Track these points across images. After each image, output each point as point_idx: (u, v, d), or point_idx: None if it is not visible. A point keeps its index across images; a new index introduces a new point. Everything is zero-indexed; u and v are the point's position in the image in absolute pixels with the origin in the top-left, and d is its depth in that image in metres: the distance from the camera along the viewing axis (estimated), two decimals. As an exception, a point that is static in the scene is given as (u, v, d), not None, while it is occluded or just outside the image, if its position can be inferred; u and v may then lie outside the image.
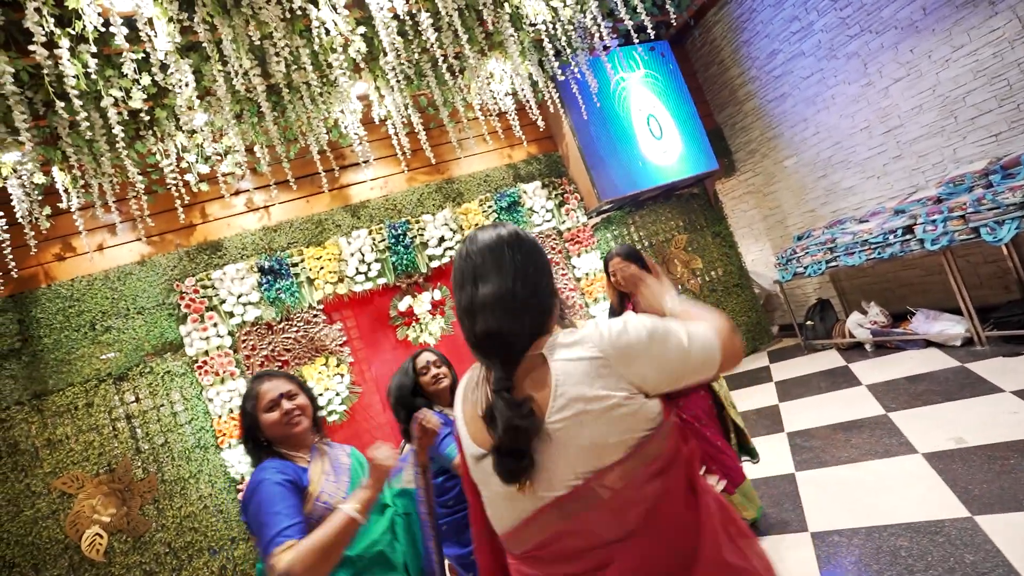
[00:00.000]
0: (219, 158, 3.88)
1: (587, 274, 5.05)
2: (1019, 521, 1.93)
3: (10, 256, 3.29)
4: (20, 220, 3.27)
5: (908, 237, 3.82)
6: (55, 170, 3.44)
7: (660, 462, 0.75)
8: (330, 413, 4.22)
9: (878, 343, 4.30)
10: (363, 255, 4.38)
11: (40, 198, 3.34)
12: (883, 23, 4.15)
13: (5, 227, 3.22)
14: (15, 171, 3.18)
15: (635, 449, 0.74)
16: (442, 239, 4.64)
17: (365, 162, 4.10)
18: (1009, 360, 3.28)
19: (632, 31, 3.76)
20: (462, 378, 0.96)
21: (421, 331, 4.62)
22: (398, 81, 3.60)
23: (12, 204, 3.24)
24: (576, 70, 4.51)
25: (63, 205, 3.50)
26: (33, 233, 3.26)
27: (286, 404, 1.41)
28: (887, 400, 3.33)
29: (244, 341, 4.11)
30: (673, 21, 4.28)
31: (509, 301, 0.81)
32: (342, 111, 3.86)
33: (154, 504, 3.80)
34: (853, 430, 3.11)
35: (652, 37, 5.25)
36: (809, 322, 4.99)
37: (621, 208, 5.40)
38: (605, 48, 4.75)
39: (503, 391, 0.79)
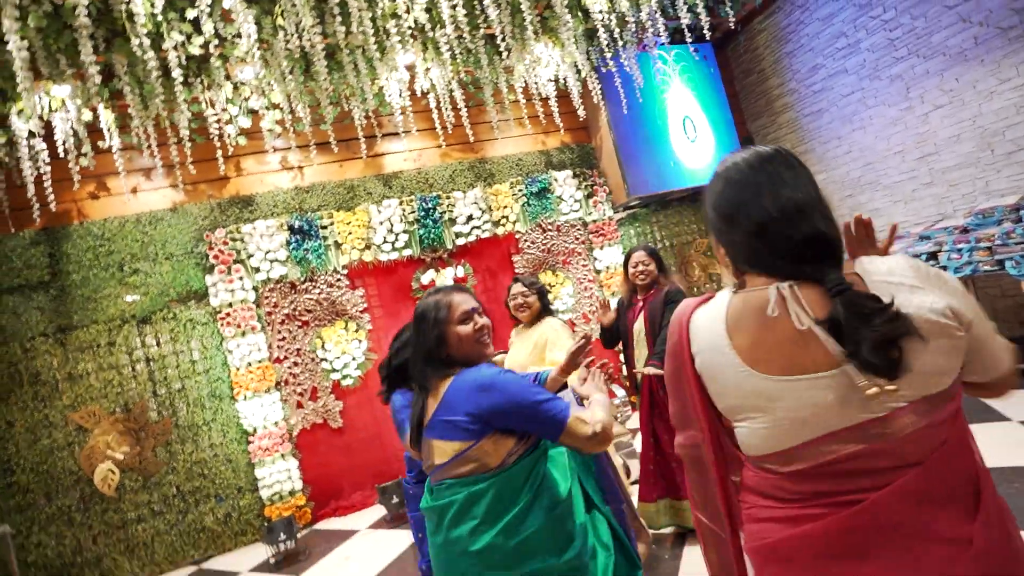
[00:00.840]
0: (261, 113, 3.88)
1: (608, 267, 5.10)
2: None
3: (49, 190, 3.32)
4: (61, 155, 3.29)
5: (932, 263, 3.87)
6: (100, 108, 3.44)
7: (957, 402, 0.76)
8: (344, 377, 4.29)
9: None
10: (392, 225, 4.42)
11: (85, 135, 3.35)
12: (932, 49, 4.16)
13: (47, 160, 3.24)
14: (64, 104, 3.20)
15: (954, 382, 0.74)
16: (470, 217, 4.67)
17: (407, 132, 4.12)
18: (1018, 392, 3.35)
19: (686, 30, 3.76)
20: (697, 312, 0.88)
21: (440, 306, 4.66)
22: (452, 53, 3.61)
23: (55, 138, 3.26)
24: (623, 63, 4.51)
25: (103, 144, 3.51)
26: (78, 168, 3.28)
27: (479, 319, 1.32)
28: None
29: (267, 297, 4.15)
30: (725, 24, 4.28)
31: (822, 206, 0.78)
32: (387, 79, 3.87)
33: (166, 447, 3.87)
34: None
35: (696, 38, 5.25)
36: (820, 337, 5.05)
37: (647, 206, 5.44)
38: (646, 46, 4.76)
39: (847, 291, 0.71)
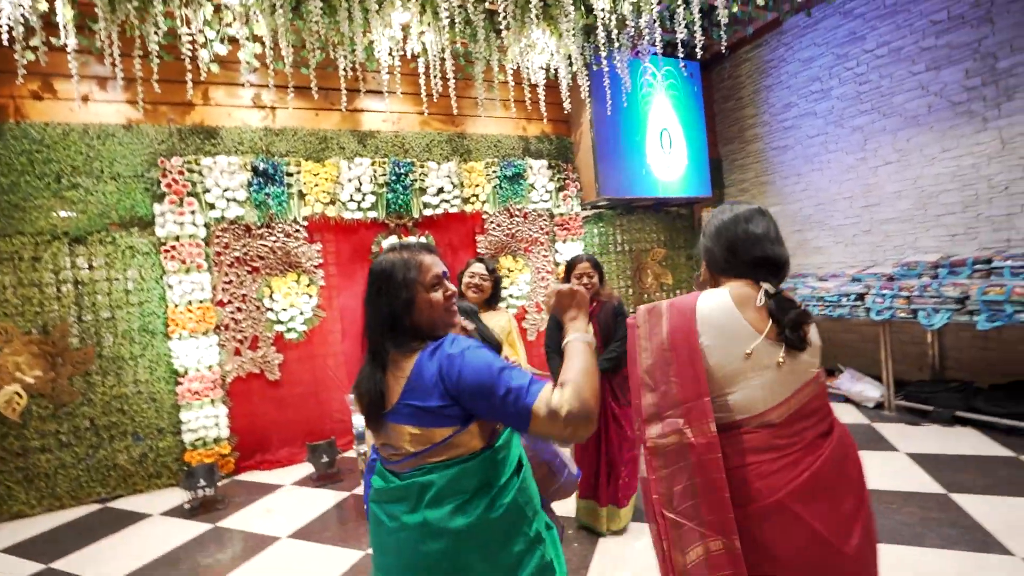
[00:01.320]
0: (241, 43, 3.66)
1: (567, 261, 5.20)
2: (890, 549, 2.30)
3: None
4: (5, 43, 2.99)
5: (858, 304, 4.23)
6: (59, 2, 3.14)
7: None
8: (289, 330, 4.18)
9: (805, 389, 4.75)
10: (360, 184, 4.31)
11: (39, 26, 3.05)
12: (892, 108, 4.51)
13: (-12, 46, 2.94)
14: (16, -11, 2.89)
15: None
16: (441, 190, 4.64)
17: (391, 93, 4.01)
18: (909, 427, 3.76)
19: (679, 44, 3.87)
20: (700, 302, 1.21)
21: (398, 274, 4.62)
22: (450, 21, 3.54)
23: (1, 23, 2.95)
24: (615, 64, 4.58)
25: (57, 42, 3.20)
26: (24, 62, 2.99)
27: (448, 286, 1.16)
28: (804, 439, 3.73)
29: (219, 237, 3.97)
30: (716, 46, 4.44)
31: (778, 239, 1.26)
32: (380, 34, 3.75)
33: (85, 377, 3.64)
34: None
35: (687, 55, 5.40)
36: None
37: (614, 208, 5.58)
38: (639, 53, 4.86)
39: (778, 293, 1.20)
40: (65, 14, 3.14)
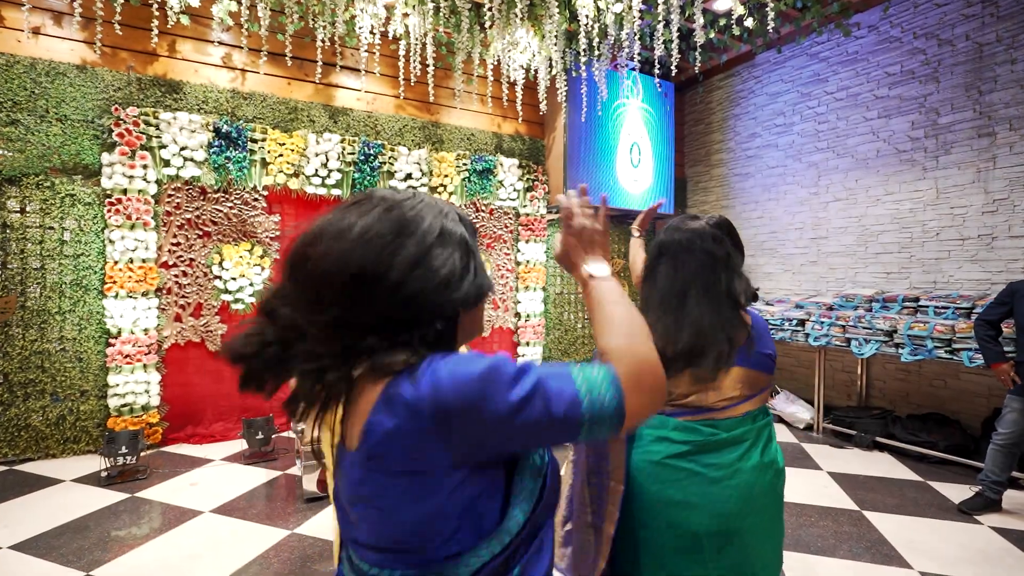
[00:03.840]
0: (214, -2, 3.54)
1: (528, 261, 5.26)
2: (804, 558, 2.42)
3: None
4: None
5: (799, 329, 4.46)
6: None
7: None
8: (237, 300, 4.03)
9: (742, 407, 4.96)
10: (327, 159, 4.22)
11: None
12: (845, 149, 4.79)
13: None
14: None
15: None
16: (409, 176, 4.59)
17: (368, 72, 3.96)
18: (834, 449, 3.98)
19: (656, 62, 4.00)
20: None
21: (357, 255, 4.55)
22: (436, 7, 3.54)
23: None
24: (594, 72, 4.68)
25: (12, -33, 3.01)
26: (-29, -18, 2.78)
27: None
28: (737, 452, 3.89)
29: (171, 196, 3.79)
30: (691, 70, 4.61)
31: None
32: (362, 10, 3.70)
33: (3, 328, 3.40)
34: (705, 466, 3.60)
35: (663, 74, 5.57)
36: (695, 372, 5.60)
37: (579, 215, 5.67)
38: (624, 65, 4.98)
39: None
40: (24, -61, 2.96)
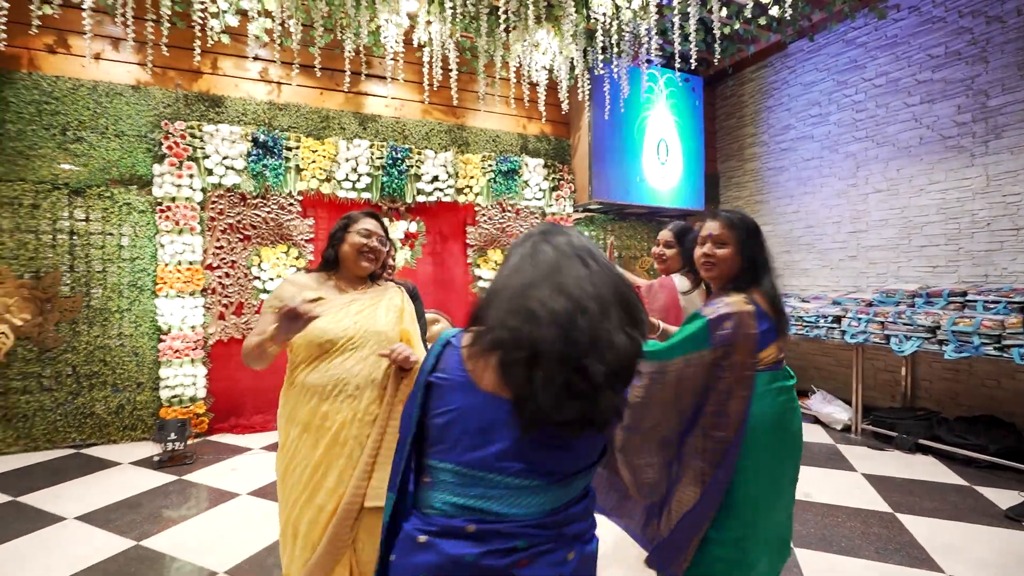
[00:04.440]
0: (251, 16, 3.79)
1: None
2: (827, 557, 2.35)
3: (2, 26, 3.14)
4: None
5: (835, 326, 4.28)
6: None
7: None
8: (274, 300, 4.27)
9: (777, 407, 4.80)
10: (357, 164, 4.42)
11: (56, -18, 3.18)
12: (885, 138, 4.57)
13: (9, -3, 3.07)
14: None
15: None
16: (435, 178, 4.73)
17: (394, 79, 4.12)
18: (872, 451, 3.80)
19: (681, 57, 3.96)
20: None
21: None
22: (453, 13, 3.65)
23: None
24: (615, 70, 4.68)
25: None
26: (39, 14, 3.12)
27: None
28: (766, 451, 3.79)
29: (215, 203, 4.08)
30: (716, 62, 4.53)
31: None
32: (387, 20, 3.86)
33: (71, 325, 3.75)
34: (730, 465, 3.53)
35: (690, 69, 5.49)
36: (728, 371, 5.46)
37: (606, 213, 5.67)
38: (648, 61, 4.95)
39: None
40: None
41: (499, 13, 3.79)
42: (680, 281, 2.22)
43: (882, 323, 3.94)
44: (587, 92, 4.57)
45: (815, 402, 4.51)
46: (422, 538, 0.82)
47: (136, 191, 3.88)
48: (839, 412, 4.31)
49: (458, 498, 0.83)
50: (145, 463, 3.49)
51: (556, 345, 0.76)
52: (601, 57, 4.38)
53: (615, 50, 4.41)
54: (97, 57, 3.81)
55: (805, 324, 4.48)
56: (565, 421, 0.77)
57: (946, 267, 4.19)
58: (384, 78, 4.36)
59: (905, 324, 3.78)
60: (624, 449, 1.53)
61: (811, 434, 4.16)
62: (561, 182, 5.31)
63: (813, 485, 3.16)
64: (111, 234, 3.83)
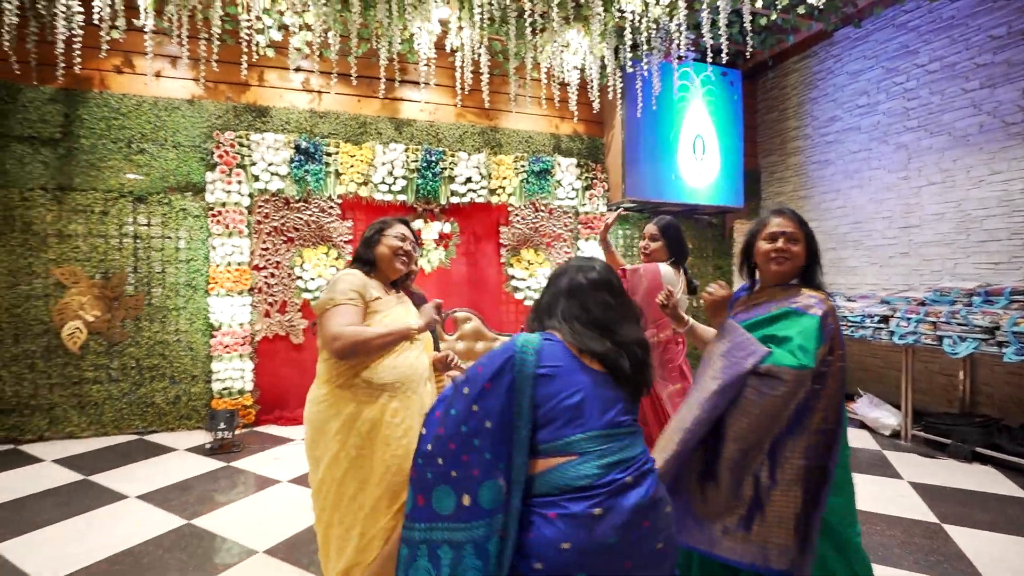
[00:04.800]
0: (292, 31, 4.01)
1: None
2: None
3: (77, 52, 3.47)
4: (96, 22, 3.43)
5: (882, 327, 4.07)
6: (142, -13, 3.57)
7: None
8: (316, 298, 4.48)
9: (820, 411, 4.60)
10: (393, 168, 4.58)
11: (122, 8, 3.48)
12: (940, 126, 4.30)
13: (80, 24, 3.40)
14: (107, -25, 3.33)
15: None
16: (468, 179, 4.83)
17: (426, 84, 4.25)
18: (922, 459, 3.59)
19: (711, 51, 3.89)
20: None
21: (422, 255, 4.86)
22: (482, 18, 3.73)
23: (93, 4, 3.39)
24: (648, 67, 4.63)
25: (138, 23, 3.64)
26: (108, 39, 3.42)
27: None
28: (804, 456, 3.65)
29: (261, 207, 4.33)
30: (750, 53, 4.40)
31: None
32: (419, 28, 3.99)
33: (135, 321, 4.09)
34: (764, 468, 3.42)
35: (728, 62, 5.36)
36: (768, 373, 5.28)
37: (641, 211, 5.60)
38: (680, 57, 4.87)
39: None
40: (146, 1, 3.57)
41: (527, 16, 3.84)
42: (665, 269, 2.40)
43: (934, 323, 3.71)
44: (619, 90, 4.55)
45: (861, 406, 4.30)
46: (598, 511, 0.94)
47: (191, 197, 4.18)
48: (887, 417, 4.09)
49: (606, 459, 1.01)
50: (197, 450, 3.76)
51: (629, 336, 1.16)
52: (632, 54, 4.35)
53: (646, 47, 4.37)
54: (157, 75, 4.13)
55: (850, 324, 4.28)
56: (643, 383, 1.17)
57: (1009, 264, 3.90)
58: (418, 83, 4.50)
59: (960, 324, 3.55)
60: (740, 462, 1.44)
61: (856, 440, 3.97)
62: (594, 181, 5.30)
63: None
64: (169, 237, 4.14)
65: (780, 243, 1.55)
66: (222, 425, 3.73)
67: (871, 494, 3.00)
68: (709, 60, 3.97)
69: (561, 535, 0.94)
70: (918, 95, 4.47)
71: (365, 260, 1.75)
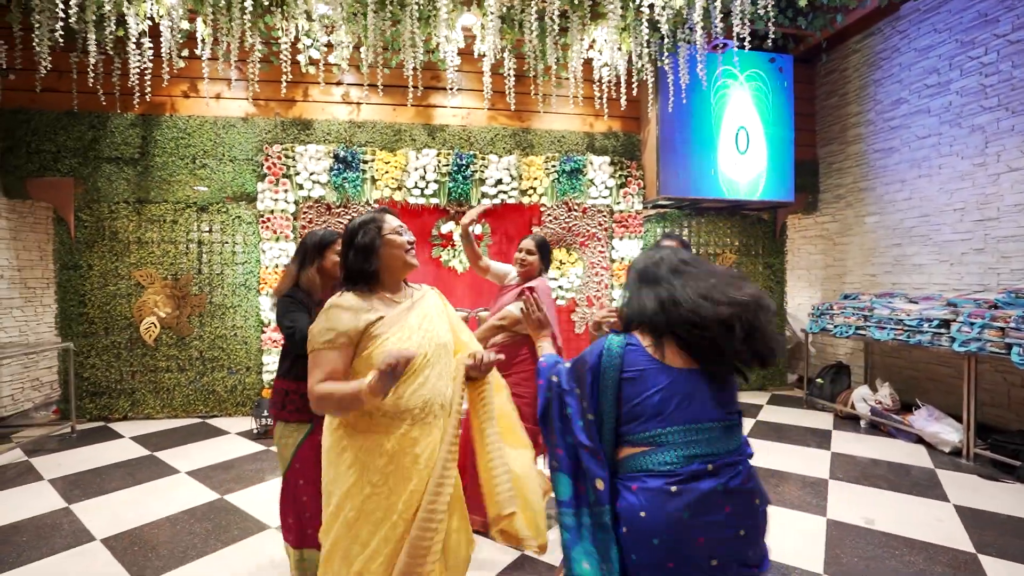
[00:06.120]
0: (330, 49, 4.31)
1: (623, 258, 5.19)
2: (859, 595, 2.09)
3: (149, 83, 3.97)
4: (163, 55, 3.91)
5: (942, 331, 3.66)
6: (199, 21, 4.02)
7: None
8: (354, 298, 4.80)
9: (874, 422, 4.21)
10: (425, 172, 4.77)
11: (182, 40, 3.94)
12: None
13: (152, 57, 3.88)
14: (169, 14, 3.78)
15: None
16: (499, 181, 4.92)
17: (459, 90, 4.40)
18: (982, 481, 3.19)
19: (754, 37, 3.70)
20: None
21: (453, 256, 5.03)
22: (502, 19, 3.80)
23: (161, 39, 3.86)
24: (682, 59, 4.46)
25: (198, 52, 4.09)
26: (170, 69, 3.89)
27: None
28: (839, 469, 3.38)
29: (305, 213, 4.70)
30: (801, 37, 4.11)
31: None
32: (445, 37, 4.13)
33: (199, 317, 4.60)
34: (788, 481, 3.22)
35: (776, 47, 5.03)
36: (819, 380, 4.90)
37: (681, 208, 5.40)
38: (718, 46, 4.64)
39: None
40: (202, 30, 4.01)
41: (548, 17, 3.85)
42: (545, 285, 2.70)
43: (1002, 329, 3.29)
44: (652, 84, 4.42)
45: (919, 419, 3.88)
46: (674, 488, 1.08)
47: (245, 206, 4.63)
48: (948, 432, 3.67)
49: (689, 450, 1.10)
50: (246, 434, 4.17)
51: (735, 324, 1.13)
52: (663, 46, 4.21)
53: (675, 39, 4.22)
54: (217, 97, 4.62)
55: (905, 328, 3.88)
56: (734, 371, 1.19)
57: (1107, 261, 3.36)
58: (450, 90, 4.66)
59: (1033, 331, 3.12)
60: None
61: (910, 456, 3.60)
62: (629, 178, 5.18)
63: (882, 512, 2.78)
64: (227, 243, 4.62)
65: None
66: (265, 412, 4.11)
67: (903, 514, 2.74)
68: (751, 46, 3.76)
69: (640, 505, 1.09)
70: (998, 69, 3.95)
71: (367, 275, 1.47)
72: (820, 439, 4.01)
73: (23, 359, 4.39)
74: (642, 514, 1.08)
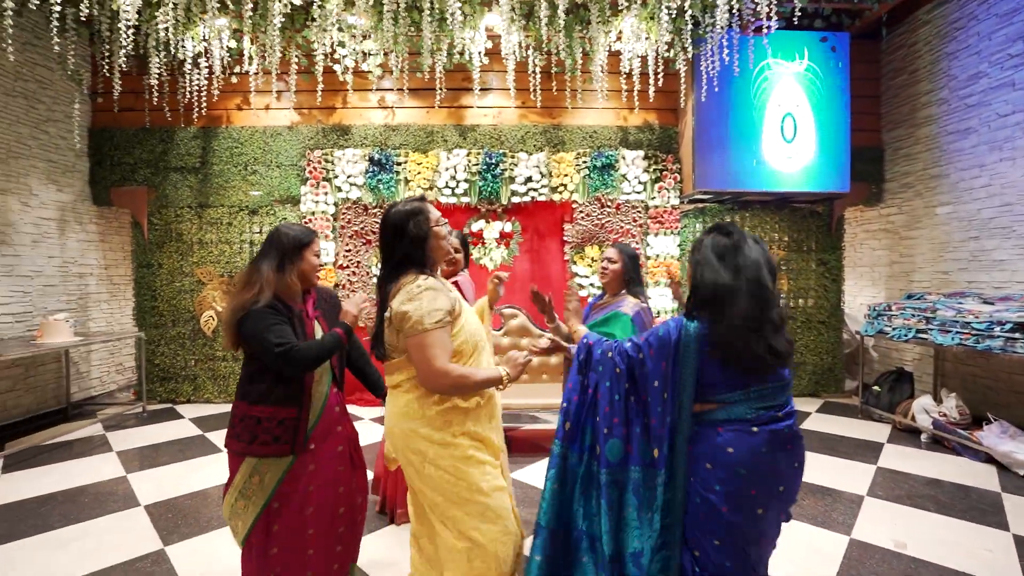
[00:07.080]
0: (365, 57, 4.52)
1: (658, 255, 5.01)
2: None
3: (204, 98, 4.37)
4: (215, 72, 4.29)
5: (1018, 336, 3.20)
6: (246, 39, 4.36)
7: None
8: (388, 295, 5.00)
9: (936, 437, 3.77)
10: (456, 172, 4.87)
11: (234, 58, 4.31)
12: (1124, 71, 3.22)
13: (207, 75, 4.27)
14: (219, 34, 4.14)
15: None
16: (529, 179, 4.92)
17: (489, 90, 4.47)
18: (1056, 509, 2.76)
19: (803, 15, 3.45)
20: None
21: (484, 253, 5.09)
22: (522, 17, 3.80)
23: (213, 57, 4.24)
24: (719, 45, 4.23)
25: (247, 68, 4.45)
26: (222, 84, 4.27)
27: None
28: (881, 487, 3.06)
29: (344, 214, 4.96)
30: (872, 11, 3.76)
31: None
32: (471, 38, 4.20)
33: (252, 312, 4.98)
34: (818, 495, 2.96)
35: (830, 25, 4.64)
36: (876, 387, 4.45)
37: (722, 202, 5.12)
38: (758, 29, 4.35)
39: None
40: (249, 49, 4.35)
41: (565, 13, 3.80)
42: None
43: (1088, 335, 2.83)
44: (686, 73, 4.23)
45: (990, 435, 3.42)
46: (755, 428, 1.31)
47: (290, 208, 4.96)
48: (1022, 451, 3.21)
49: (760, 402, 1.34)
50: (287, 420, 4.47)
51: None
52: (696, 32, 4.01)
53: (708, 24, 4.01)
54: (266, 108, 4.99)
55: (973, 333, 3.44)
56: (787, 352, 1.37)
57: None
58: (482, 90, 4.73)
59: (1125, 337, 2.66)
60: None
61: (974, 477, 3.19)
62: (664, 172, 4.99)
63: (921, 537, 2.48)
64: (275, 242, 4.97)
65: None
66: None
67: (944, 540, 2.44)
68: (794, 25, 3.50)
69: (727, 442, 1.31)
70: (1095, 33, 3.39)
71: (421, 263, 1.49)
72: (867, 451, 3.65)
73: (109, 346, 4.99)
74: (729, 450, 1.29)
